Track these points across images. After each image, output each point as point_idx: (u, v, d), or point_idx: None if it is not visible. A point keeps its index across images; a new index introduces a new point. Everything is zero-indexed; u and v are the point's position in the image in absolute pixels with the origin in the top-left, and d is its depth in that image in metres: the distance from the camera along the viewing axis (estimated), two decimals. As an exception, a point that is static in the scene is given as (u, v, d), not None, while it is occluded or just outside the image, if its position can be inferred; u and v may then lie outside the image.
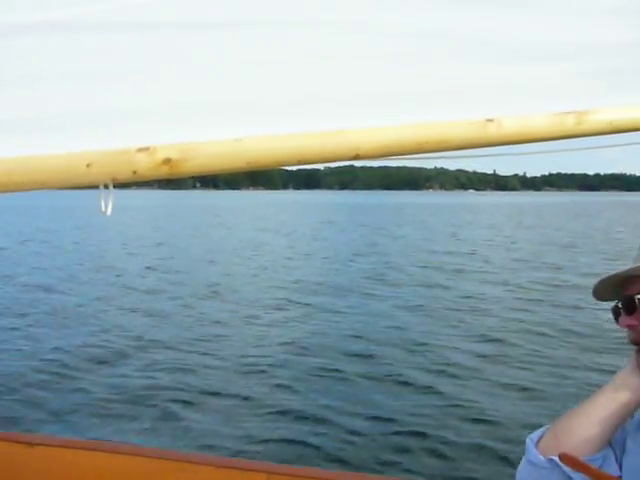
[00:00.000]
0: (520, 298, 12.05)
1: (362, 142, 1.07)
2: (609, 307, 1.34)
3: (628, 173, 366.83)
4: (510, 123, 1.18)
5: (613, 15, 1.43)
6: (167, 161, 1.04)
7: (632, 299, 1.26)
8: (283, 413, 5.80)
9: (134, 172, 1.05)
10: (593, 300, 1.38)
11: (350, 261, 17.91)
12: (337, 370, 7.18)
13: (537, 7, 1.33)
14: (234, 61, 1.13)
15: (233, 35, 1.12)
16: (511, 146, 1.29)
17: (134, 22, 1.10)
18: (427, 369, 7.20)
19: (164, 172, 1.05)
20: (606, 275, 1.32)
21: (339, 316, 10.23)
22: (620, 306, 1.29)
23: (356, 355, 7.91)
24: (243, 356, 7.76)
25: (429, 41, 1.20)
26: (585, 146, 1.56)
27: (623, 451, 1.27)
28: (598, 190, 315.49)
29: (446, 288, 13.10)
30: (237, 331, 9.12)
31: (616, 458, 1.27)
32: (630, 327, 1.27)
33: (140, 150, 1.04)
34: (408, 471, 4.57)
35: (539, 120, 1.21)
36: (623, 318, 1.28)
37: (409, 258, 18.63)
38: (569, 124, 1.24)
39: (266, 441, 5.10)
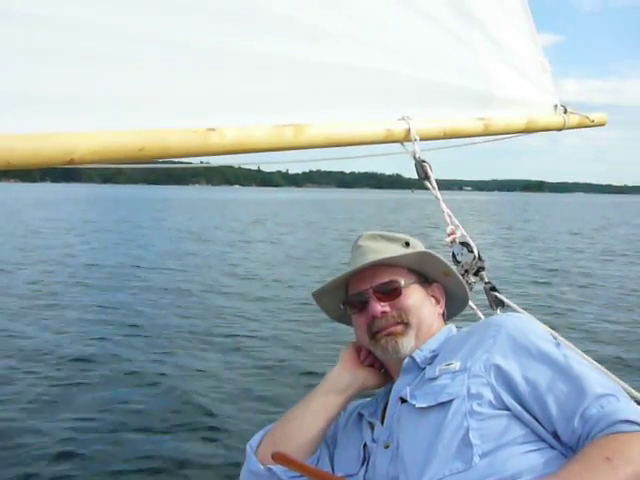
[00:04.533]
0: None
1: (77, 146, 1.03)
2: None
3: (379, 172, 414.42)
4: (232, 133, 1.24)
5: (332, 40, 1.58)
6: None
7: (385, 285, 1.32)
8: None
9: None
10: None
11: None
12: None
13: (263, 24, 1.41)
14: None
15: None
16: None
17: None
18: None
19: None
20: (330, 279, 1.39)
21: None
22: (360, 299, 1.34)
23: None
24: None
25: (154, 47, 1.20)
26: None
27: (335, 445, 1.36)
28: (353, 187, 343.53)
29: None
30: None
31: (329, 453, 1.35)
32: (384, 314, 1.32)
33: None
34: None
35: (260, 131, 1.29)
36: (375, 306, 1.31)
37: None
38: (288, 136, 1.34)
39: None
